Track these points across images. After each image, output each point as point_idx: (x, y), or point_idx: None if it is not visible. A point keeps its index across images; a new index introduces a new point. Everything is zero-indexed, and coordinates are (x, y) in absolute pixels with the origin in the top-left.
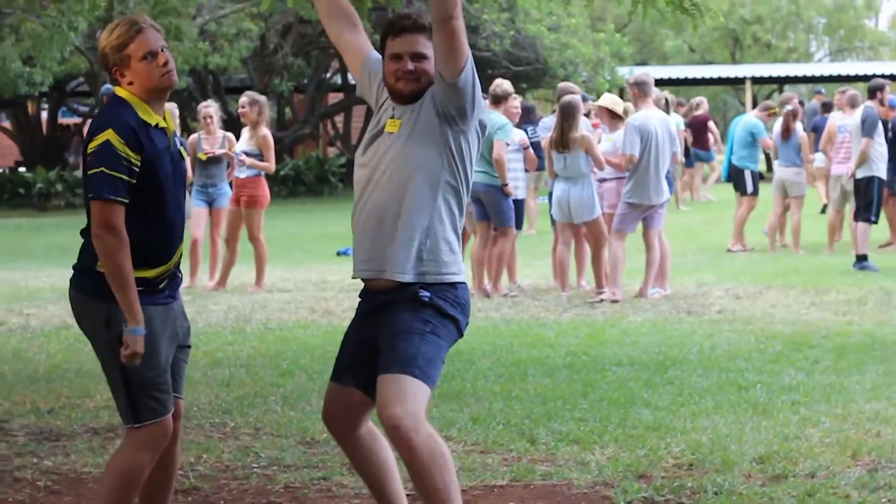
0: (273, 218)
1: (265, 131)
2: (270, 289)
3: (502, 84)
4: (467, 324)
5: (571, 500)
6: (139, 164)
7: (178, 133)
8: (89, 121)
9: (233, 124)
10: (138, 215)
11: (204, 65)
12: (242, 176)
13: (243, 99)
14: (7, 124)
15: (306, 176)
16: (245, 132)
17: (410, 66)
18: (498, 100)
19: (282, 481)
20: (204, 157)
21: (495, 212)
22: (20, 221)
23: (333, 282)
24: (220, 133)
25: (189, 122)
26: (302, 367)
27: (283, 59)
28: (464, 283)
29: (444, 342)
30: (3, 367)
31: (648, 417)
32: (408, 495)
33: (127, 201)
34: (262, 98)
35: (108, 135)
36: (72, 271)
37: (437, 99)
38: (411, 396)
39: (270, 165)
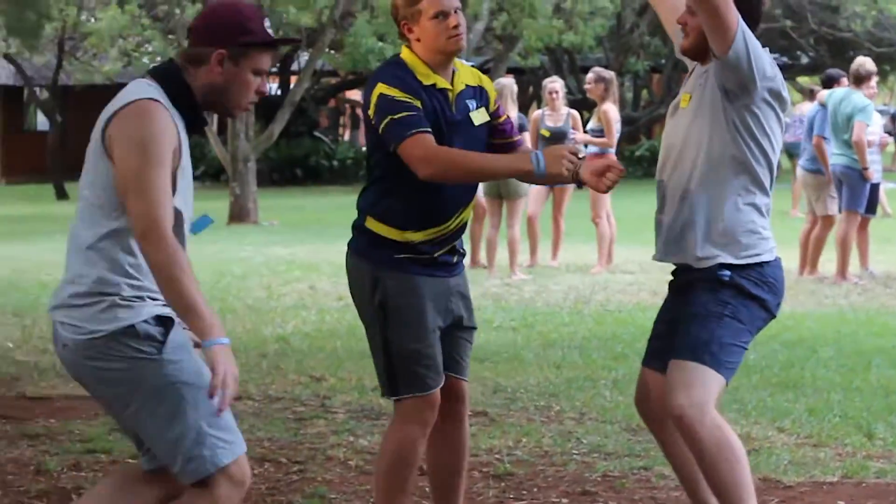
0: (624, 198)
1: (607, 107)
2: (613, 270)
3: (865, 63)
4: (779, 304)
5: None
6: (420, 107)
7: (490, 103)
8: None
9: (586, 103)
10: (403, 175)
11: (558, 42)
12: (591, 152)
13: (589, 76)
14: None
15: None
16: (595, 110)
17: (681, 18)
18: (860, 79)
19: (601, 469)
20: (547, 134)
21: (849, 194)
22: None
23: None
24: (565, 110)
25: (541, 98)
26: (637, 351)
27: (639, 39)
28: (772, 261)
29: (745, 326)
30: (335, 343)
31: None
32: None
33: (429, 129)
34: (609, 74)
35: (380, 89)
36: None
37: (716, 73)
38: (699, 385)
39: (608, 141)
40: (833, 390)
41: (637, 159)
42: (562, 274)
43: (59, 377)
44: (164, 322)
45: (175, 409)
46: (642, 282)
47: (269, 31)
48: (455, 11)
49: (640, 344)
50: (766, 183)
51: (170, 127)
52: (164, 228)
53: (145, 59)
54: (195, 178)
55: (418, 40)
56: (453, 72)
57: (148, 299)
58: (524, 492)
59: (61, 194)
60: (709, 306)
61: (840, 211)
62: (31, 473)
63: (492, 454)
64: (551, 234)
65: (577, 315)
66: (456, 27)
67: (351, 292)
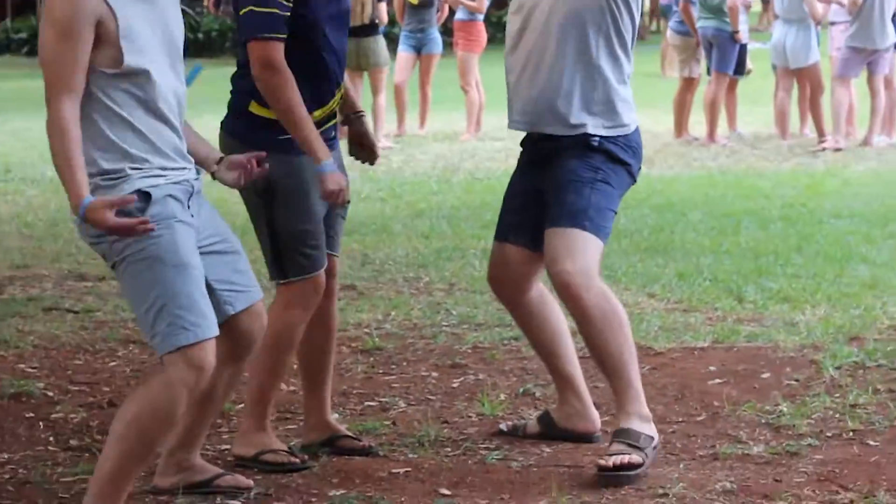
0: (492, 65)
1: None
2: (483, 137)
3: None
4: (640, 169)
5: (776, 365)
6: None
7: None
8: None
9: None
10: (290, 54)
11: None
12: (459, 19)
13: None
14: None
15: None
16: None
17: None
18: None
19: (470, 341)
20: (415, 2)
21: (720, 56)
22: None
23: None
24: None
25: None
26: None
27: None
28: (636, 128)
29: (616, 190)
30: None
31: (865, 274)
32: (581, 359)
33: (284, 36)
34: None
35: None
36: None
37: None
38: (582, 251)
39: (476, 5)
40: (702, 254)
41: (504, 25)
42: (429, 143)
43: None
44: (146, 196)
45: (144, 283)
46: (511, 148)
47: None
48: None
49: None
50: (630, 49)
51: (84, 0)
52: (57, 97)
53: None
54: None
55: None
56: None
57: (131, 171)
58: (393, 366)
59: None
60: (581, 172)
61: (708, 73)
62: None
63: (360, 328)
64: (418, 102)
65: (445, 184)
66: None
67: None
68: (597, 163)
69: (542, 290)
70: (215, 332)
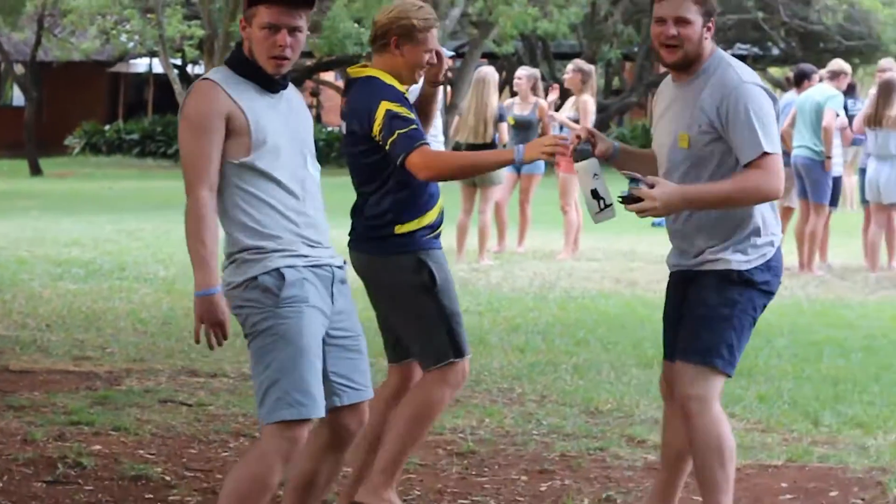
0: None
1: (586, 98)
2: (579, 257)
3: (842, 66)
4: (780, 283)
5: (844, 484)
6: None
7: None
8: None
9: (561, 91)
10: (402, 179)
11: (532, 29)
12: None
13: (569, 66)
14: (340, 83)
15: (631, 144)
16: (571, 99)
17: (673, 30)
18: (834, 75)
19: (559, 449)
20: (512, 122)
21: (813, 187)
22: (345, 180)
23: (643, 253)
24: (533, 99)
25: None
26: (598, 337)
27: (612, 27)
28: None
29: (751, 316)
30: None
31: None
32: None
33: (428, 142)
34: (588, 66)
35: (385, 106)
36: (353, 240)
37: (719, 125)
38: (704, 381)
39: (580, 130)
40: (784, 379)
41: None
42: (528, 260)
43: (41, 351)
44: (282, 276)
45: (265, 357)
46: (606, 269)
47: None
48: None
49: (601, 330)
50: None
51: (214, 100)
52: (194, 187)
53: (123, 38)
54: (169, 156)
55: (402, 56)
56: None
57: (272, 249)
58: (486, 469)
59: (35, 170)
60: (718, 308)
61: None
62: (19, 442)
63: (455, 433)
64: (518, 220)
65: (541, 301)
66: (440, 61)
67: (378, 291)
68: (734, 295)
69: None
70: (320, 413)
